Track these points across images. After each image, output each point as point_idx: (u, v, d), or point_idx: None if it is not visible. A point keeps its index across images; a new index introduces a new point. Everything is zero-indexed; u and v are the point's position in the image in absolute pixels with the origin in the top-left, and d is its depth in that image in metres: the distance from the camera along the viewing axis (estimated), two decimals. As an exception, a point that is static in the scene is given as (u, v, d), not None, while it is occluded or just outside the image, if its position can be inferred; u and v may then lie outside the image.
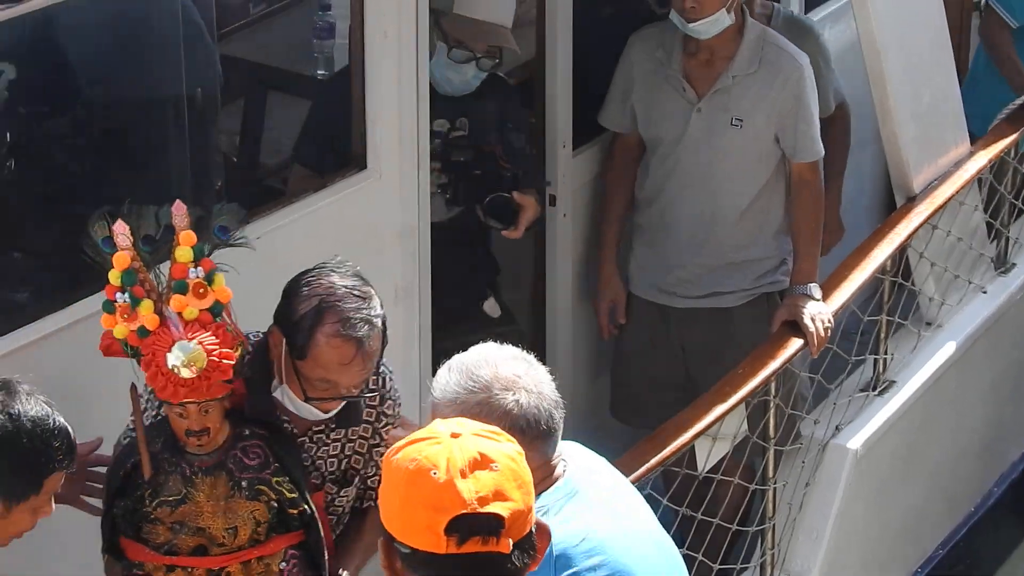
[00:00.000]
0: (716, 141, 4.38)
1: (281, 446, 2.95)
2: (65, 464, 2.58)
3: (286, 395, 2.88)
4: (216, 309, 2.72)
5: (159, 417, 2.92)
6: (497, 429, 1.84)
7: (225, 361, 2.69)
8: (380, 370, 3.03)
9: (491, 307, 4.53)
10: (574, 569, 2.08)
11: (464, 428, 1.80)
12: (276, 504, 2.84)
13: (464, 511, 1.64)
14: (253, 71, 4.91)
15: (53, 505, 2.58)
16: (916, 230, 4.72)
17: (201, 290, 2.73)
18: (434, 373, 2.47)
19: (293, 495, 2.88)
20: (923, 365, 4.97)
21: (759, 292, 4.53)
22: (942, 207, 4.86)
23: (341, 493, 3.11)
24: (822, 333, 4.18)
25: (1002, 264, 5.40)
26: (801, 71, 4.33)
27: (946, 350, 5.06)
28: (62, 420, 2.62)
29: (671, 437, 3.67)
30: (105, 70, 4.06)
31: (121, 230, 2.63)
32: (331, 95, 4.73)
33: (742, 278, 4.49)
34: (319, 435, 3.04)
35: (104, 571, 2.88)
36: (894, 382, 4.75)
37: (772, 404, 4.03)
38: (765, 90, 4.36)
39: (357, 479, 3.14)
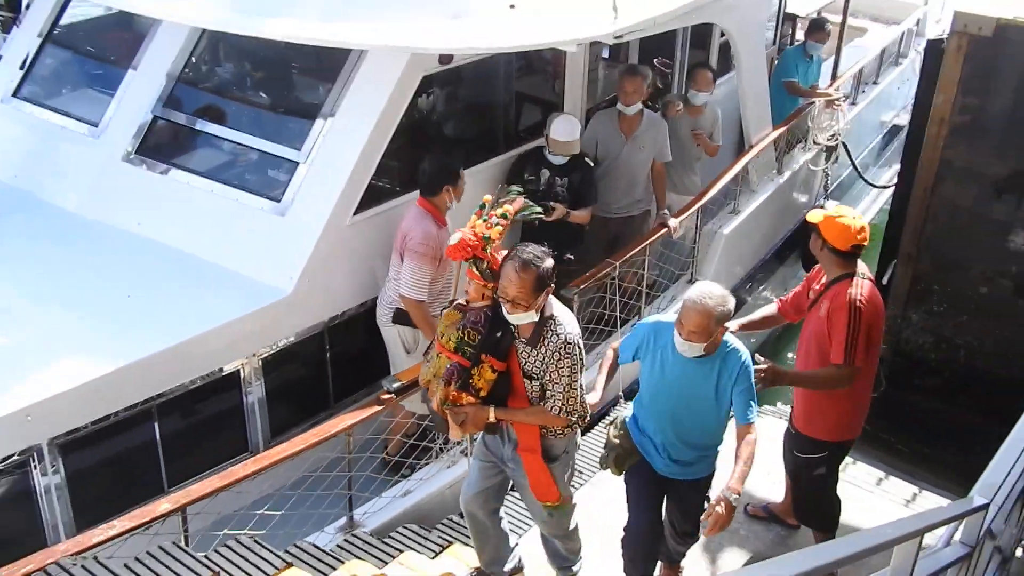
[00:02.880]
0: (633, 155, 6.77)
1: (495, 324, 3.90)
2: (452, 183, 5.15)
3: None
4: (486, 240, 3.93)
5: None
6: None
7: (469, 247, 3.90)
8: (560, 331, 3.89)
9: (569, 259, 6.23)
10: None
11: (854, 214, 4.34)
12: (461, 339, 3.91)
13: (855, 244, 4.39)
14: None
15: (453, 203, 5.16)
16: (751, 157, 7.69)
17: (488, 226, 3.95)
18: None
19: (471, 342, 3.88)
20: (748, 205, 7.83)
21: (643, 209, 6.95)
22: (760, 150, 7.83)
23: (525, 384, 4.01)
24: (679, 232, 6.60)
25: (779, 170, 8.46)
26: (664, 126, 6.84)
27: (758, 199, 7.95)
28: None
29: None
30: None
31: (487, 199, 4.06)
32: (543, 79, 6.96)
33: (639, 205, 6.92)
34: (522, 343, 3.96)
35: None
36: (741, 210, 7.81)
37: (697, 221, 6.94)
38: (650, 134, 6.76)
39: (538, 381, 3.97)
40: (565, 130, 6.14)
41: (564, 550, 4.65)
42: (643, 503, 4.52)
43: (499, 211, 3.94)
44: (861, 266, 4.54)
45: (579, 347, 3.90)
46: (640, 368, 4.30)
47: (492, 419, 3.96)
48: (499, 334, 3.86)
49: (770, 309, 4.99)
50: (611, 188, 6.72)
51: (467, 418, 3.93)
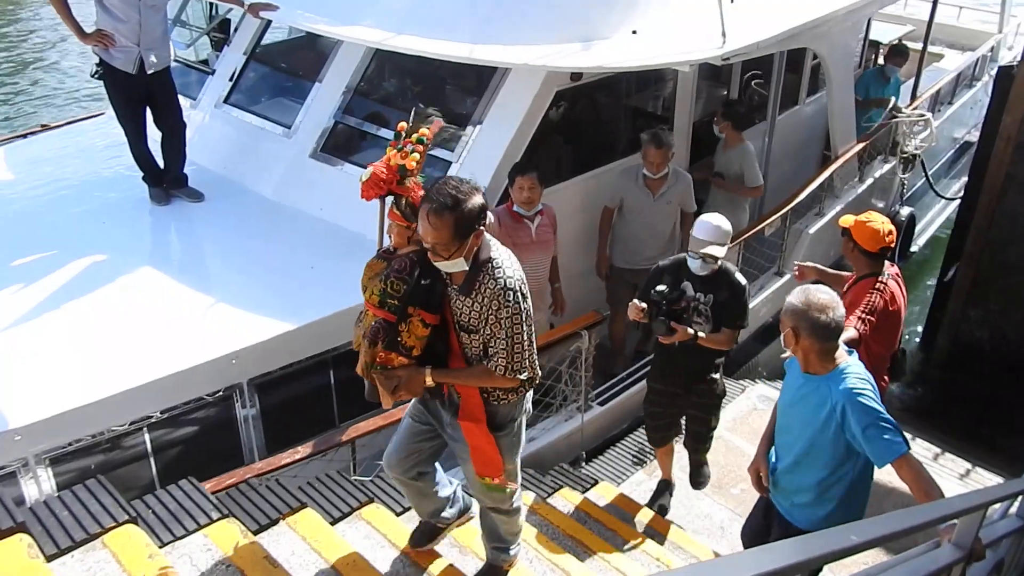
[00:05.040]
0: (659, 210, 5.92)
1: (423, 271, 2.86)
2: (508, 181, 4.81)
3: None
4: (402, 171, 2.91)
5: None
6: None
7: (376, 184, 2.89)
8: (498, 275, 2.84)
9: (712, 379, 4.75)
10: None
11: (883, 220, 4.01)
12: (384, 290, 2.90)
13: (883, 246, 4.17)
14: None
15: None
16: (837, 167, 7.47)
17: (403, 155, 2.95)
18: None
19: (395, 293, 2.86)
20: (832, 208, 7.64)
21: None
22: (845, 160, 7.59)
23: (463, 339, 2.96)
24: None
25: (860, 179, 8.13)
26: (689, 180, 5.94)
27: (841, 204, 7.66)
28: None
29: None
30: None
31: (402, 125, 2.98)
32: (656, 94, 6.66)
33: (664, 256, 5.05)
34: (454, 291, 2.94)
35: None
36: (825, 213, 7.53)
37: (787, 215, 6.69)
38: (676, 188, 5.92)
39: (479, 336, 2.92)
40: (707, 229, 4.45)
41: (503, 531, 3.61)
42: (752, 520, 3.95)
43: (415, 136, 2.97)
44: (887, 267, 4.40)
45: (521, 294, 2.87)
46: None
47: (430, 382, 2.98)
48: (427, 282, 2.89)
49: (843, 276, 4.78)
50: (634, 238, 5.93)
51: (400, 382, 2.96)
